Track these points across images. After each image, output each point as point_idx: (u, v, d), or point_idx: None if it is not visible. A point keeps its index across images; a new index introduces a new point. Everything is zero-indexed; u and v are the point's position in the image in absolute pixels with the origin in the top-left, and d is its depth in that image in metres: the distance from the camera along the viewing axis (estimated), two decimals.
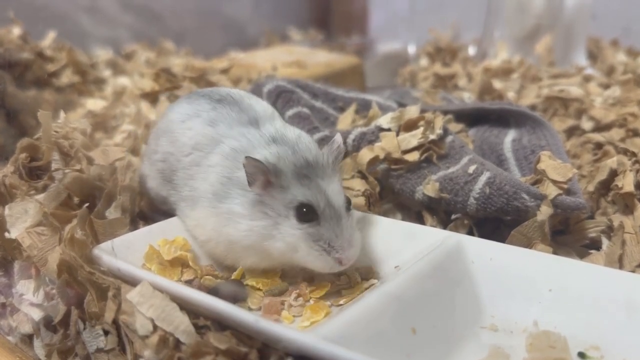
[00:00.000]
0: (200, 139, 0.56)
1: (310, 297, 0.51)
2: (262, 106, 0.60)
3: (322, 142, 0.73)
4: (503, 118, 0.82)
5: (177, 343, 0.43)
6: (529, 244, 0.56)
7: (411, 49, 1.53)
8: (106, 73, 1.20)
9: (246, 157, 0.49)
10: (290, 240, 0.50)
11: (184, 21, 1.74)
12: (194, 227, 0.56)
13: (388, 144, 0.67)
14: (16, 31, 1.10)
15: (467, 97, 1.01)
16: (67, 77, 1.06)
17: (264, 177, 0.49)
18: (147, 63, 1.27)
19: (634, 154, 0.64)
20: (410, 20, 1.78)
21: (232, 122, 0.56)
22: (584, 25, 1.28)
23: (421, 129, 0.67)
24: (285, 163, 0.50)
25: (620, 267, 0.54)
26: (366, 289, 0.52)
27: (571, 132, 0.86)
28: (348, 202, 0.52)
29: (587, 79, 1.03)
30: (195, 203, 0.55)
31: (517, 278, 0.50)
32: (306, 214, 0.49)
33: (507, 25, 1.27)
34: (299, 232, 0.49)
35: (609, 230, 0.59)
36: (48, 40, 1.17)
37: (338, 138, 0.54)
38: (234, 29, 1.87)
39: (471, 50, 1.41)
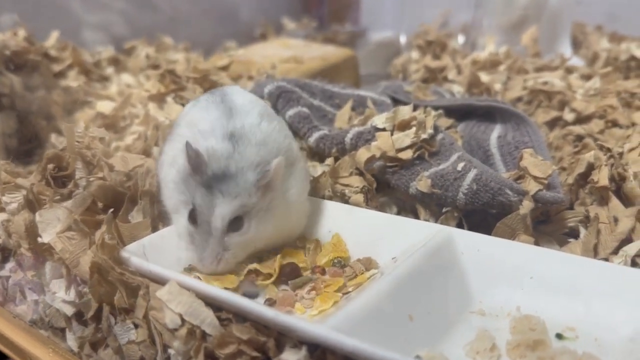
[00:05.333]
0: (190, 118, 0.63)
1: (324, 291, 0.57)
2: (243, 100, 0.63)
3: (322, 140, 0.79)
4: (490, 113, 0.87)
5: (204, 335, 0.48)
6: (512, 235, 0.61)
7: (403, 39, 1.58)
8: (109, 70, 1.24)
9: (187, 142, 0.56)
10: (179, 225, 0.57)
11: (178, 9, 1.75)
12: (161, 189, 0.63)
13: (383, 143, 0.72)
14: (21, 33, 1.14)
15: (457, 92, 1.06)
16: (73, 78, 1.10)
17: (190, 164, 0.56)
18: (148, 58, 1.31)
19: (609, 150, 0.69)
20: (401, 5, 1.81)
21: (211, 108, 0.62)
22: (569, 14, 1.32)
23: (414, 129, 0.72)
24: (210, 163, 0.55)
25: (595, 254, 0.59)
26: (368, 278, 0.58)
27: (554, 123, 0.92)
28: (233, 224, 0.55)
29: (570, 70, 1.08)
30: (162, 166, 0.63)
31: (502, 267, 0.56)
32: (192, 215, 0.56)
33: (494, 15, 1.32)
34: (183, 224, 0.57)
35: (586, 220, 0.64)
36: (52, 40, 1.20)
37: (274, 162, 0.56)
38: (228, 17, 1.89)
39: (460, 39, 1.46)
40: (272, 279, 0.57)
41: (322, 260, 0.62)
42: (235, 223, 0.56)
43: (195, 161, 0.55)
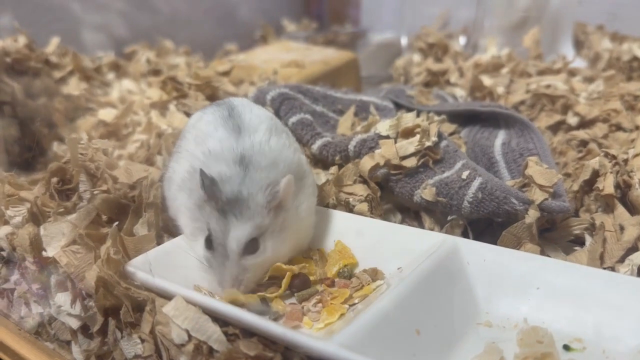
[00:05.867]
0: (198, 133, 0.63)
1: (331, 303, 0.56)
2: (251, 116, 0.63)
3: (325, 147, 0.78)
4: (493, 117, 0.87)
5: (211, 350, 0.48)
6: (518, 244, 0.61)
7: (403, 39, 1.57)
8: (109, 76, 1.23)
9: (201, 169, 0.55)
10: (197, 252, 0.57)
11: (177, 10, 1.74)
12: (169, 208, 0.63)
13: (387, 151, 0.72)
14: (22, 40, 1.13)
15: (460, 96, 1.06)
16: (74, 84, 1.10)
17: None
18: (149, 63, 1.30)
19: (614, 157, 0.69)
20: (402, 6, 1.81)
21: (218, 124, 0.62)
22: (570, 14, 1.32)
23: (417, 136, 0.72)
24: (223, 190, 0.55)
25: (602, 263, 0.59)
26: (374, 289, 0.58)
27: (558, 127, 0.92)
28: (249, 247, 0.55)
29: (573, 73, 1.08)
30: (170, 185, 0.62)
31: (508, 277, 0.55)
32: (208, 241, 0.56)
33: (495, 16, 1.31)
34: (201, 251, 0.57)
35: (592, 228, 0.64)
36: (52, 46, 1.20)
37: (283, 182, 0.56)
38: (228, 18, 1.88)
39: (462, 40, 1.46)
40: (279, 292, 0.57)
41: (332, 271, 0.62)
42: (251, 245, 0.55)
43: (211, 188, 0.55)
